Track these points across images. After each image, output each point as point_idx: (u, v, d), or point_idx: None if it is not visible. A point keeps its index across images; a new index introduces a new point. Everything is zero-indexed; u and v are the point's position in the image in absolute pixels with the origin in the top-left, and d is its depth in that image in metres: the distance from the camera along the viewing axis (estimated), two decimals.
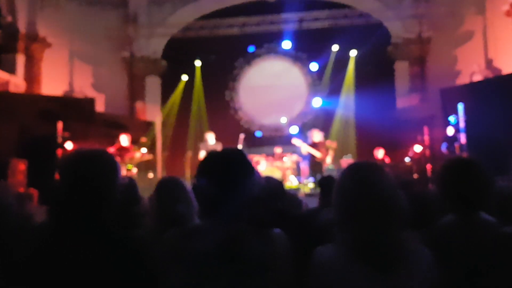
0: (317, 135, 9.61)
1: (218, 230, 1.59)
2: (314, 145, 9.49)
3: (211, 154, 1.73)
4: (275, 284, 1.54)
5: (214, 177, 1.64)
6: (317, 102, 12.66)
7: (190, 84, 12.73)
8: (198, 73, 12.80)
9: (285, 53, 13.05)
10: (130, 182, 2.93)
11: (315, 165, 9.49)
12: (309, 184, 9.63)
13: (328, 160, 9.40)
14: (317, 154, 9.37)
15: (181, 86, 12.66)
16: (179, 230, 1.67)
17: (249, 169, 1.68)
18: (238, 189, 1.62)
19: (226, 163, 1.66)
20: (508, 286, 1.67)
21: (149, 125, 12.26)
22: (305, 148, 9.55)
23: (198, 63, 12.68)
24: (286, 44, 12.75)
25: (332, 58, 12.38)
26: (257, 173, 2.52)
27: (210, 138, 9.96)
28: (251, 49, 13.02)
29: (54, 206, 1.58)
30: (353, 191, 1.60)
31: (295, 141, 9.73)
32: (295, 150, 10.21)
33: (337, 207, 1.64)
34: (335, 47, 12.24)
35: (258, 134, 12.89)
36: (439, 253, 1.60)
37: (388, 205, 1.54)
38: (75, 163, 1.61)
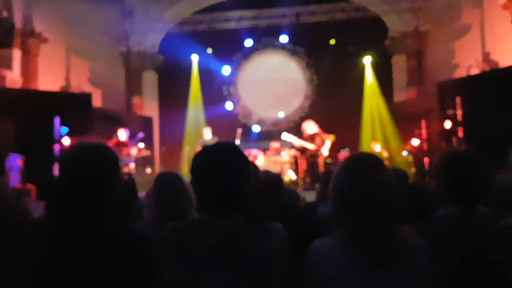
0: (311, 127, 9.44)
1: (216, 224, 1.59)
2: (309, 137, 9.31)
3: (204, 149, 1.73)
4: (274, 277, 1.55)
5: (209, 171, 1.63)
6: (314, 96, 12.64)
7: (187, 78, 12.69)
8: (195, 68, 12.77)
9: (283, 47, 13.03)
10: (129, 177, 2.93)
11: (310, 158, 9.33)
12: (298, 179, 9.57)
13: (324, 151, 9.20)
14: (310, 146, 9.21)
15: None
16: (177, 223, 1.67)
17: (243, 161, 1.67)
18: (233, 182, 1.61)
19: (220, 156, 1.65)
20: (506, 279, 1.67)
21: (146, 120, 12.24)
22: (297, 142, 9.45)
23: (195, 57, 12.63)
24: (284, 38, 12.73)
25: (329, 51, 12.36)
26: (255, 166, 2.52)
27: (207, 133, 9.95)
28: (248, 43, 12.98)
29: (53, 200, 1.58)
30: (349, 184, 1.59)
31: (286, 136, 9.63)
32: (292, 144, 10.17)
33: (334, 200, 1.63)
34: (332, 41, 12.21)
35: (256, 129, 12.81)
36: (436, 246, 1.60)
37: (384, 199, 1.53)
38: (75, 156, 1.60)
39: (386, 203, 1.53)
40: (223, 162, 1.63)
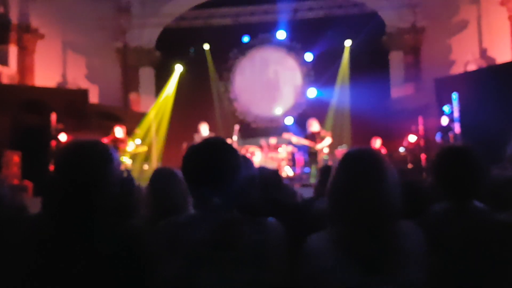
0: (315, 125, 9.58)
1: (211, 219, 1.59)
2: (312, 135, 9.46)
3: (193, 146, 1.73)
4: (270, 272, 1.55)
5: (198, 167, 1.64)
6: (312, 92, 12.65)
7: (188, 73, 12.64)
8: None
9: (280, 43, 13.00)
10: (126, 173, 2.93)
11: (310, 155, 9.49)
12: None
13: (324, 149, 9.36)
14: (310, 144, 9.36)
15: (175, 76, 12.56)
16: (173, 219, 1.68)
17: (232, 156, 1.67)
18: (222, 177, 1.62)
19: (207, 152, 1.65)
20: (500, 273, 1.68)
21: (144, 116, 12.20)
22: (297, 141, 9.57)
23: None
24: (281, 34, 12.70)
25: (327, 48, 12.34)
26: (249, 162, 2.52)
27: (204, 128, 9.92)
28: (245, 39, 12.95)
29: (49, 197, 1.58)
30: (344, 185, 1.57)
31: (286, 135, 9.76)
32: (290, 141, 10.22)
33: (329, 198, 1.62)
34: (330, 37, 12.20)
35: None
36: (431, 240, 1.60)
37: (380, 200, 1.51)
38: (71, 153, 1.60)
39: (381, 206, 1.51)
40: (210, 158, 1.63)
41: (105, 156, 1.60)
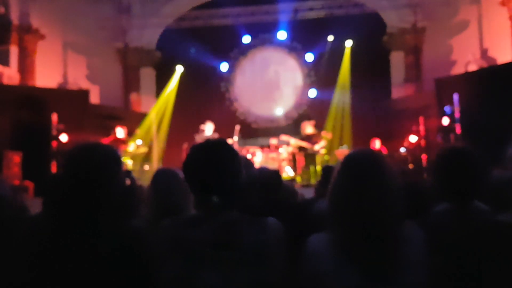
0: (309, 128, 9.58)
1: (212, 219, 1.60)
2: (306, 137, 9.48)
3: (194, 146, 1.74)
4: (270, 272, 1.55)
5: (198, 168, 1.66)
6: (312, 92, 12.65)
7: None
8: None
9: (280, 44, 12.99)
10: (128, 174, 2.93)
11: (308, 157, 9.49)
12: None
13: (320, 150, 9.40)
14: (307, 146, 9.39)
15: (176, 76, 12.55)
16: (174, 220, 1.69)
17: (232, 157, 1.68)
18: (221, 178, 1.63)
19: (208, 153, 1.67)
20: (501, 274, 1.68)
21: (144, 116, 12.20)
22: (295, 142, 9.58)
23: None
24: (281, 35, 12.70)
25: (327, 48, 12.34)
26: (249, 162, 2.53)
27: (209, 128, 9.85)
28: (246, 39, 12.95)
29: (51, 197, 1.58)
30: (346, 185, 1.56)
31: (284, 137, 9.78)
32: (288, 142, 10.23)
33: (330, 200, 1.61)
34: (330, 38, 12.20)
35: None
36: (432, 242, 1.60)
37: (382, 204, 1.50)
38: (80, 155, 1.61)
39: (383, 210, 1.50)
40: (211, 159, 1.64)
41: (114, 159, 1.62)
